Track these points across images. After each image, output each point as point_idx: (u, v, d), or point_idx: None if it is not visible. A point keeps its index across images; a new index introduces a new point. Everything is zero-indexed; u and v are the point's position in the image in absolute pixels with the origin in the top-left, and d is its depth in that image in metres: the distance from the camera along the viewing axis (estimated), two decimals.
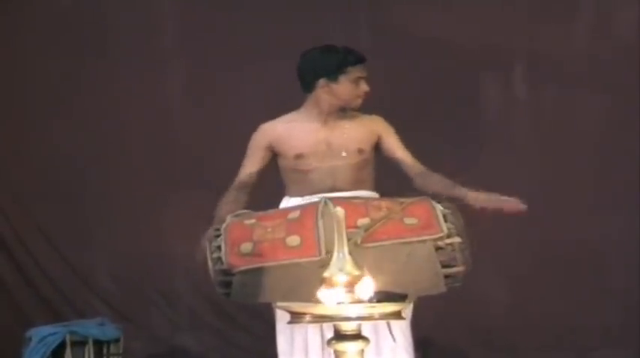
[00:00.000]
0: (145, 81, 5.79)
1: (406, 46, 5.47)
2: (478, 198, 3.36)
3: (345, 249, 2.49)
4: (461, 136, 5.47)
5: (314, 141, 3.60)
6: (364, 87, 3.58)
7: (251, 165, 3.68)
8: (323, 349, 3.43)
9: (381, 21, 5.56)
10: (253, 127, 3.75)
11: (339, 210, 2.53)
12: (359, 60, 3.58)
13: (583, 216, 5.32)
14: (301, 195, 3.58)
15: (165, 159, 5.76)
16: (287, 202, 3.62)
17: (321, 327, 3.40)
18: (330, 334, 3.19)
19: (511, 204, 3.34)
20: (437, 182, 3.51)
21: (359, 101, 3.61)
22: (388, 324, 3.04)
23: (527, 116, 5.54)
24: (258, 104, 5.05)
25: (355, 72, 3.57)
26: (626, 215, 5.33)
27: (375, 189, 3.65)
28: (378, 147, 3.67)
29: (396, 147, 3.65)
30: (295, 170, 3.62)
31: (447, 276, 3.18)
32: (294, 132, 3.64)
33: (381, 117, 3.69)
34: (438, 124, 5.35)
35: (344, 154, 3.58)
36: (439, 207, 3.25)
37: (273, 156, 3.68)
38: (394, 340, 3.11)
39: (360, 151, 3.60)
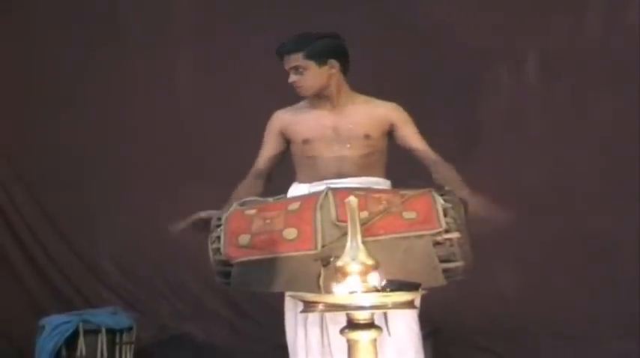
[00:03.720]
0: (154, 71, 5.80)
1: (419, 35, 5.46)
2: (470, 205, 3.30)
3: (359, 238, 2.50)
4: (472, 126, 5.47)
5: (321, 126, 3.60)
6: (290, 79, 3.59)
7: (265, 152, 3.70)
8: (322, 342, 3.44)
9: (393, 10, 5.55)
10: (262, 118, 3.76)
11: (353, 200, 2.54)
12: (277, 52, 3.61)
13: (595, 204, 5.31)
14: (309, 181, 3.58)
15: (173, 149, 5.76)
16: (296, 188, 3.63)
17: (322, 321, 3.40)
18: (332, 327, 3.23)
19: (497, 221, 3.30)
20: (444, 178, 3.48)
21: (298, 91, 3.61)
22: (385, 317, 3.04)
23: (539, 106, 5.52)
24: (267, 95, 5.05)
25: (284, 64, 3.60)
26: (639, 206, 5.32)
27: (386, 175, 3.64)
28: (391, 135, 3.65)
29: (410, 136, 3.62)
30: (303, 155, 3.62)
31: (446, 270, 3.15)
32: (302, 117, 3.64)
33: (397, 105, 3.66)
34: (449, 114, 5.34)
35: (349, 143, 3.57)
36: (440, 201, 3.20)
37: (287, 141, 3.69)
38: (389, 333, 3.11)
39: (367, 137, 3.57)
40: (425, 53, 5.45)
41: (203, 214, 3.44)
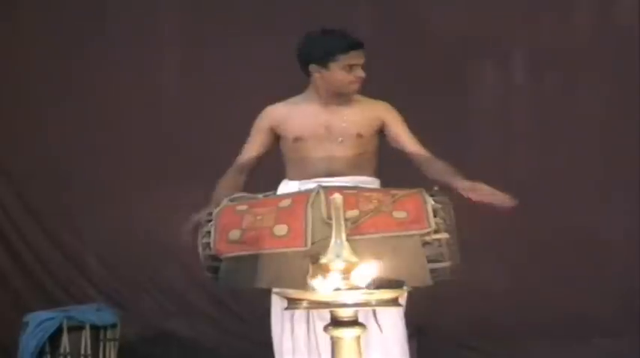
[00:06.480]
0: (140, 70, 5.78)
1: (405, 32, 5.45)
2: (465, 188, 3.31)
3: (343, 236, 2.49)
4: (460, 123, 5.47)
5: (313, 124, 3.58)
6: (358, 73, 3.52)
7: (251, 147, 3.68)
8: (308, 339, 3.44)
9: (379, 4, 5.54)
10: (248, 116, 3.74)
11: (338, 197, 2.53)
12: (351, 47, 3.51)
13: (582, 203, 5.32)
14: (299, 179, 3.57)
15: (159, 148, 5.74)
16: (285, 185, 3.62)
17: (307, 318, 3.41)
18: (320, 323, 3.22)
19: (498, 198, 3.29)
20: (437, 170, 3.50)
21: (353, 87, 3.55)
22: (374, 313, 3.05)
23: (527, 103, 5.53)
24: (254, 92, 5.03)
25: (347, 59, 3.51)
26: (626, 203, 5.32)
27: (377, 174, 3.63)
28: (383, 134, 3.64)
29: (401, 135, 3.62)
30: (294, 153, 3.61)
31: (433, 270, 3.17)
32: (294, 114, 3.62)
33: (387, 104, 3.65)
34: (437, 111, 5.33)
35: (340, 139, 3.56)
36: (431, 202, 3.22)
37: (276, 138, 3.66)
38: (381, 330, 3.11)
39: (359, 136, 3.57)
40: (412, 50, 5.45)
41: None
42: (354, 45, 3.52)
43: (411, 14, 5.51)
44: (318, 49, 3.53)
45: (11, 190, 5.89)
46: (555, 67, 5.46)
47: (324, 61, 3.52)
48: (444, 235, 3.17)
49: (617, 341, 5.09)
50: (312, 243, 3.10)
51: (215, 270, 3.26)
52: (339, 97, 3.59)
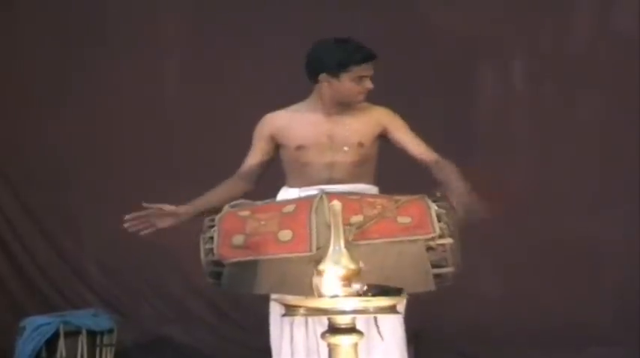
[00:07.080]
0: (140, 72, 5.77)
1: (405, 35, 5.45)
2: (457, 202, 3.29)
3: (342, 243, 2.48)
4: (459, 130, 5.46)
5: (316, 133, 3.57)
6: (367, 85, 3.51)
7: (253, 155, 3.66)
8: (307, 342, 3.44)
9: (379, 7, 5.54)
10: (248, 119, 3.73)
11: (337, 204, 2.53)
12: (365, 59, 3.50)
13: (581, 210, 5.32)
14: (299, 186, 3.56)
15: (160, 152, 5.74)
16: (285, 192, 3.61)
17: (306, 322, 3.41)
18: (319, 328, 3.22)
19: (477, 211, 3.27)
20: (443, 175, 3.48)
21: (360, 98, 3.55)
22: (375, 321, 3.06)
23: (526, 110, 5.53)
24: (255, 93, 5.05)
25: (359, 71, 3.49)
26: (624, 211, 5.32)
27: (376, 182, 3.63)
28: (385, 139, 3.63)
29: (404, 139, 3.60)
30: (295, 161, 3.59)
31: (436, 276, 3.18)
32: (296, 123, 3.60)
33: (388, 109, 3.64)
34: (436, 117, 5.33)
35: (345, 149, 3.55)
36: (434, 207, 3.24)
37: (277, 146, 3.65)
38: (382, 338, 3.10)
39: (361, 145, 3.56)
40: (411, 54, 5.44)
41: (166, 208, 3.57)
42: (368, 57, 3.51)
43: (411, 18, 5.50)
44: (332, 59, 3.50)
45: (8, 191, 5.88)
46: (555, 71, 5.45)
47: (335, 71, 3.49)
48: (448, 240, 3.18)
49: (614, 349, 5.08)
50: (317, 248, 3.10)
51: (218, 276, 3.27)
52: (342, 106, 3.58)
